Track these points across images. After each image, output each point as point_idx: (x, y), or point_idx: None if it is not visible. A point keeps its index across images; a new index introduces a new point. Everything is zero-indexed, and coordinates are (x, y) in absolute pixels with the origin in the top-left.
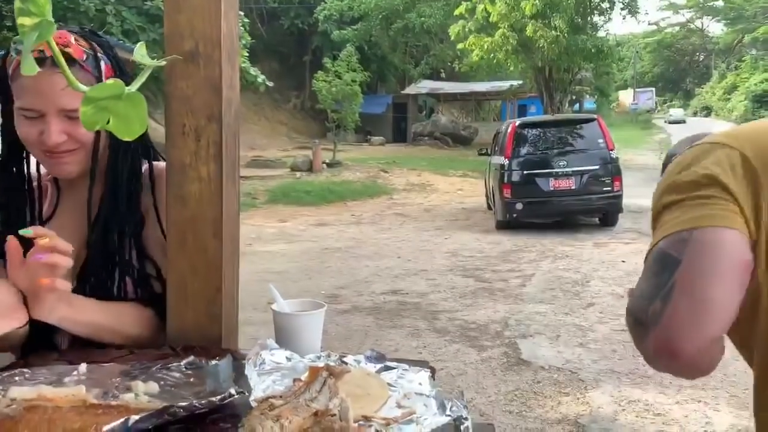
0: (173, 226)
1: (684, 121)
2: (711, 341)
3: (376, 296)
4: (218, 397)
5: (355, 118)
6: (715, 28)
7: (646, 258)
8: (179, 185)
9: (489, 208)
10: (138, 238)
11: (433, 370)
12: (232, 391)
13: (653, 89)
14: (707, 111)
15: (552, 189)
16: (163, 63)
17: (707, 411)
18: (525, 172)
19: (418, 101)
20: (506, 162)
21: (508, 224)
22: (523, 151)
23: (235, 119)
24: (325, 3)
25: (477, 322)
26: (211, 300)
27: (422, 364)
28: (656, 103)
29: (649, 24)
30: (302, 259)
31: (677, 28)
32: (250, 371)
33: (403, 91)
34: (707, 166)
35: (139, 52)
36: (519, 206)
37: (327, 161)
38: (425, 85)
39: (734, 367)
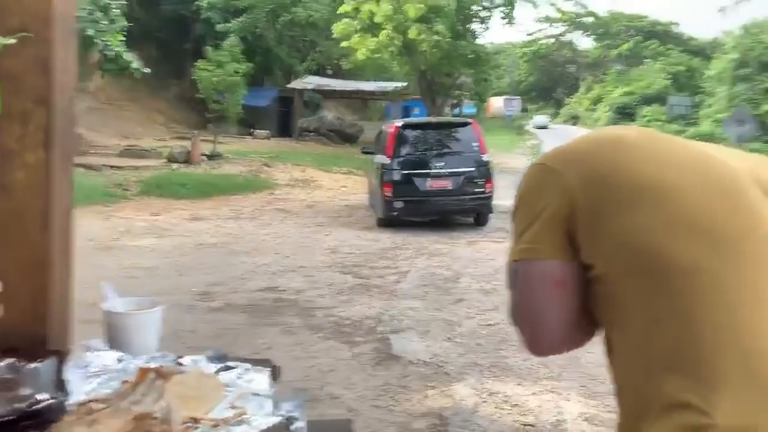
0: None
1: (546, 127)
2: (560, 340)
3: (252, 293)
4: (26, 403)
5: (237, 109)
6: (585, 43)
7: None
8: (2, 173)
9: (371, 206)
10: None
11: (275, 370)
12: (40, 396)
13: (519, 98)
14: (575, 120)
15: (429, 189)
16: None
17: (560, 401)
18: (405, 171)
19: (304, 96)
20: (388, 161)
21: (389, 222)
22: (404, 151)
23: (69, 105)
24: None
25: (352, 318)
26: (36, 298)
27: (264, 363)
28: (527, 110)
29: (526, 34)
30: (174, 255)
31: (552, 40)
32: (72, 374)
33: (289, 86)
34: (533, 190)
35: None
36: (399, 205)
37: (207, 153)
38: (312, 81)
39: (585, 359)
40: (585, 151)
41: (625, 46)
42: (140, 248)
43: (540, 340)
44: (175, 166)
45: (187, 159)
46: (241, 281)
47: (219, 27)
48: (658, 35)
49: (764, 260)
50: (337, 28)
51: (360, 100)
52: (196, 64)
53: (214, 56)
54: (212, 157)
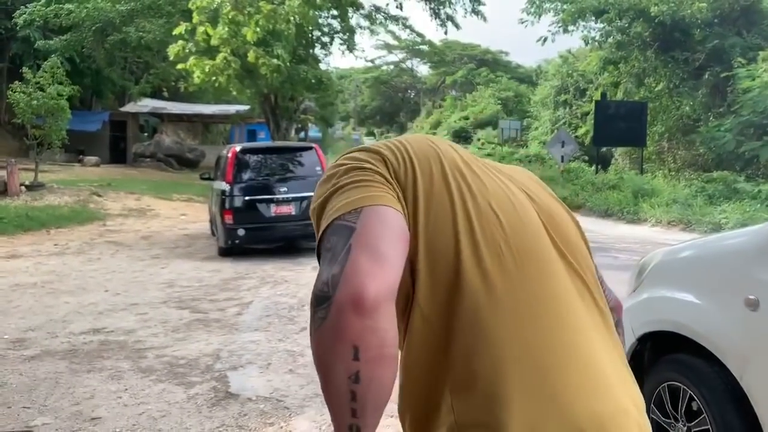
0: None
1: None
2: (389, 291)
3: (74, 337)
4: None
5: (61, 135)
6: (423, 70)
7: (318, 249)
8: None
9: (213, 234)
10: None
11: None
12: None
13: (343, 123)
14: None
15: (273, 215)
16: None
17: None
18: (247, 198)
19: (139, 120)
20: (228, 187)
21: (231, 251)
22: (245, 176)
23: None
24: (26, 7)
25: (187, 357)
26: None
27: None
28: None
29: (365, 61)
30: None
31: (392, 67)
32: None
33: (122, 109)
34: (361, 158)
35: None
36: (241, 232)
37: (27, 183)
38: (147, 104)
39: None
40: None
41: (460, 73)
42: None
43: (372, 283)
44: None
45: (4, 190)
46: (62, 324)
47: (39, 45)
48: (489, 63)
49: (550, 277)
50: (172, 51)
51: (201, 123)
52: (11, 86)
53: (34, 78)
54: (33, 187)
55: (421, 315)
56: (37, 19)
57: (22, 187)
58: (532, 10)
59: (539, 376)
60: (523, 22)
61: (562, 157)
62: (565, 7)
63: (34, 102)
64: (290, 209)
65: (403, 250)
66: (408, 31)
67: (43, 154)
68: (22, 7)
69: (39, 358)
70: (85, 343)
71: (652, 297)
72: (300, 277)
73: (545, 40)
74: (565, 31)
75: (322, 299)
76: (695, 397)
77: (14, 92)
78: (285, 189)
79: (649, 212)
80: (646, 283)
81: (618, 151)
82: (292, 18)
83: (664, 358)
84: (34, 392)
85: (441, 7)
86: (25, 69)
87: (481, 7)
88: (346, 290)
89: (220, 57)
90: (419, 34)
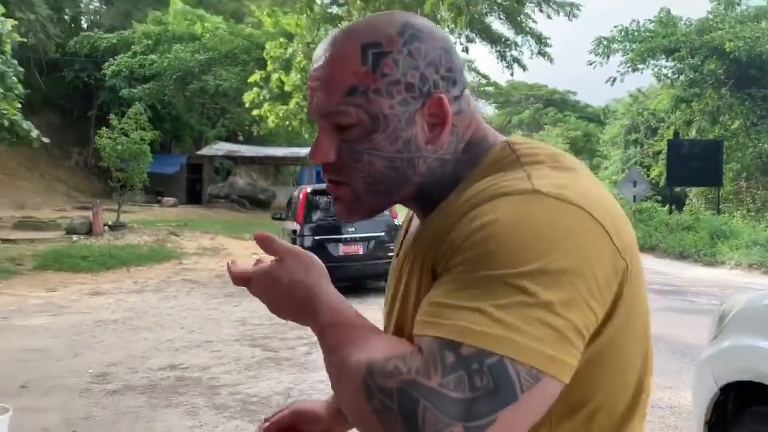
0: None
1: None
2: None
3: (153, 372)
4: None
5: (143, 177)
6: (489, 110)
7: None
8: None
9: None
10: None
11: None
12: None
13: None
14: None
15: (342, 254)
16: None
17: None
18: (316, 237)
19: (214, 163)
20: (298, 227)
21: None
22: (315, 216)
23: None
24: (114, 59)
25: (259, 395)
26: None
27: None
28: None
29: None
30: (70, 334)
31: None
32: None
33: (198, 152)
34: (571, 252)
35: None
36: None
37: (110, 223)
38: (222, 147)
39: None
40: (612, 207)
41: (526, 113)
42: (32, 328)
43: None
44: (75, 237)
45: (89, 230)
46: (141, 359)
47: (124, 93)
48: (556, 103)
49: None
50: (248, 97)
51: (273, 165)
52: (98, 132)
53: (119, 124)
54: (115, 227)
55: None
56: (124, 69)
57: (106, 227)
58: (600, 50)
59: None
60: (591, 63)
61: (634, 196)
62: (634, 46)
63: (119, 147)
64: (358, 249)
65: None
66: (474, 73)
67: (125, 195)
68: (110, 59)
69: (120, 393)
70: (163, 379)
71: (735, 345)
72: (367, 317)
73: (614, 80)
74: (635, 70)
75: (412, 415)
76: None
77: (102, 138)
78: (353, 229)
79: (727, 254)
80: (728, 330)
81: (693, 191)
82: None
83: (749, 410)
84: (116, 425)
85: (507, 50)
86: (111, 116)
87: (547, 49)
88: None
89: (292, 102)
90: (484, 76)
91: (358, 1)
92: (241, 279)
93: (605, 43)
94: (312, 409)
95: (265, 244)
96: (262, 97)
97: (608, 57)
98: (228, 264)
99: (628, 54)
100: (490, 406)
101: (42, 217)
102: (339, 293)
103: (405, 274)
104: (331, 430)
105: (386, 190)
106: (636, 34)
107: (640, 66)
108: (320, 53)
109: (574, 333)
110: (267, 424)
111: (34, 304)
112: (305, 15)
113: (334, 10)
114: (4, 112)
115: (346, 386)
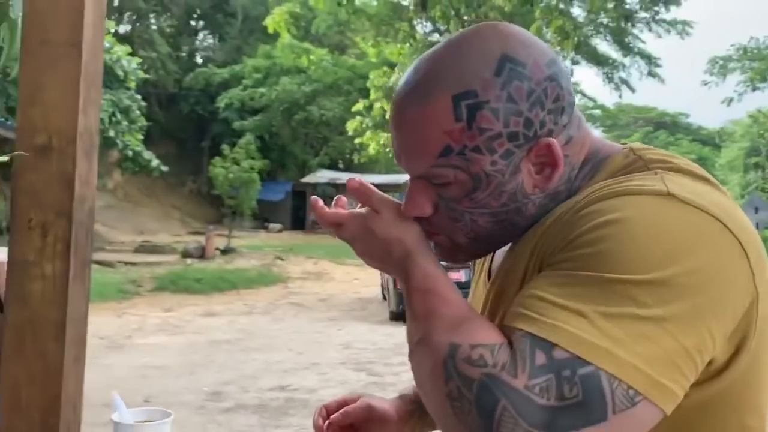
0: (10, 329)
1: None
2: None
3: (263, 392)
4: None
5: (251, 204)
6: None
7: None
8: (19, 284)
9: (384, 298)
10: None
11: None
12: None
13: None
14: None
15: None
16: (5, 159)
17: None
18: None
19: (317, 190)
20: None
21: (402, 315)
22: None
23: (88, 216)
24: (227, 92)
25: None
26: (48, 409)
27: None
28: None
29: None
30: (186, 353)
31: None
32: None
33: (302, 180)
34: (700, 266)
35: None
36: None
37: (221, 248)
38: (325, 175)
39: None
40: (750, 227)
41: (635, 137)
42: (152, 346)
43: None
44: (189, 261)
45: (202, 254)
46: (252, 379)
47: (235, 125)
48: (667, 125)
49: None
50: (351, 125)
51: None
52: (212, 161)
53: (230, 154)
54: (226, 251)
55: None
56: (236, 102)
57: (217, 251)
58: (716, 70)
59: None
60: (706, 84)
61: (757, 224)
62: (753, 65)
63: (231, 175)
64: (459, 276)
65: None
66: (579, 95)
67: (235, 221)
68: (223, 92)
69: (234, 411)
70: (273, 399)
71: None
72: None
73: (731, 100)
74: (754, 89)
75: (491, 411)
76: None
77: (215, 167)
78: None
79: None
80: None
81: None
82: None
83: None
84: None
85: (614, 71)
86: (223, 146)
87: (657, 69)
88: None
89: None
90: (591, 99)
91: (460, 29)
92: (333, 222)
93: (721, 62)
94: (383, 408)
95: (359, 193)
96: (364, 125)
97: (725, 76)
98: (314, 201)
99: (746, 72)
100: (573, 420)
101: (159, 241)
102: (437, 260)
103: (505, 269)
104: None
105: (491, 241)
106: (755, 52)
107: (760, 85)
108: (404, 94)
109: (685, 358)
110: (338, 414)
111: (153, 323)
112: (407, 44)
113: (435, 37)
114: (128, 143)
115: (426, 360)
